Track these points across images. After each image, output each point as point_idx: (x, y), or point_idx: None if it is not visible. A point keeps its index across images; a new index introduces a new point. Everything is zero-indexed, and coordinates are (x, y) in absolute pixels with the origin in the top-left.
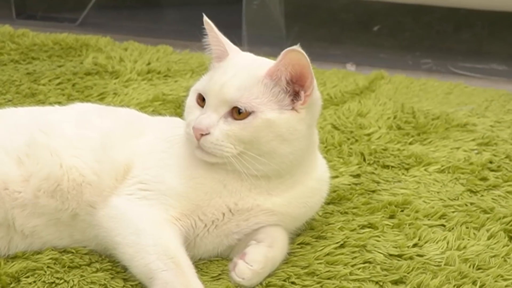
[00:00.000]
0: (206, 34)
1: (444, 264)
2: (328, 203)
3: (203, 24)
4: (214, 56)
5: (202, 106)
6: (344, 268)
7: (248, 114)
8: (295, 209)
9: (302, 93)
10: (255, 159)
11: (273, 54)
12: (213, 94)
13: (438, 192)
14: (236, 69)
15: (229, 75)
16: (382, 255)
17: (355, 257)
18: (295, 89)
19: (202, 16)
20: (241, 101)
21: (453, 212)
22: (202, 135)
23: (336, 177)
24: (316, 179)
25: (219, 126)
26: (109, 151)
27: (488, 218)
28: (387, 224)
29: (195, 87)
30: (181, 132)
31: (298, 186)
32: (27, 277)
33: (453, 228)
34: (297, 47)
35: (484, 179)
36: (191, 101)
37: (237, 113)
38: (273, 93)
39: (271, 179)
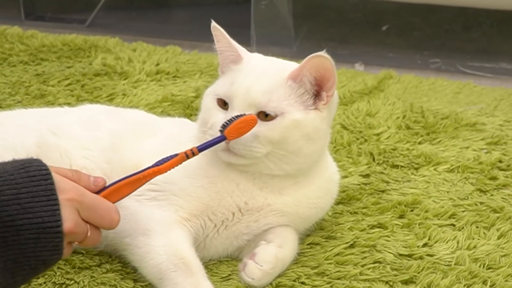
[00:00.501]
0: (216, 40)
1: (454, 264)
2: (338, 203)
3: (211, 25)
4: (228, 62)
5: (224, 109)
6: (354, 268)
7: (275, 115)
8: (305, 209)
9: (324, 94)
10: (280, 159)
11: (281, 54)
12: (240, 98)
13: (447, 192)
14: (258, 72)
15: (253, 78)
16: (392, 255)
17: (365, 257)
18: (317, 89)
19: (211, 16)
20: (270, 105)
21: (463, 211)
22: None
23: (346, 177)
24: (327, 179)
25: None
26: (118, 152)
27: (498, 218)
28: (397, 224)
29: (213, 91)
30: (192, 133)
31: (310, 186)
32: (37, 278)
33: (463, 228)
34: (322, 53)
35: (493, 178)
36: (210, 103)
37: (263, 115)
38: (297, 94)
39: (286, 178)
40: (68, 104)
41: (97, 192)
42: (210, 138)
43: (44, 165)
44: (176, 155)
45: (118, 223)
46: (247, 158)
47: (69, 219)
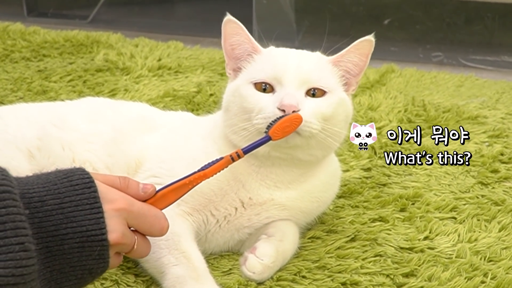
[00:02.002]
0: (232, 34)
1: (455, 257)
2: (339, 197)
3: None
4: (246, 55)
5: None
6: (355, 262)
7: (323, 93)
8: (307, 203)
9: (353, 80)
10: (322, 141)
11: None
12: (291, 75)
13: (449, 185)
14: (295, 56)
15: (298, 58)
16: (393, 248)
17: (366, 251)
18: (351, 76)
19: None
20: (322, 81)
21: (464, 204)
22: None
23: (347, 171)
24: (330, 173)
25: (305, 103)
26: (121, 145)
27: (499, 210)
28: (398, 217)
29: (246, 80)
30: (200, 127)
31: (314, 180)
32: None
33: (464, 221)
34: (370, 37)
35: (495, 171)
36: (248, 90)
37: (311, 94)
38: (338, 76)
39: (298, 170)
40: (70, 100)
41: (144, 200)
42: (260, 122)
43: (87, 173)
44: (221, 158)
45: (168, 230)
46: (303, 136)
47: (116, 230)
